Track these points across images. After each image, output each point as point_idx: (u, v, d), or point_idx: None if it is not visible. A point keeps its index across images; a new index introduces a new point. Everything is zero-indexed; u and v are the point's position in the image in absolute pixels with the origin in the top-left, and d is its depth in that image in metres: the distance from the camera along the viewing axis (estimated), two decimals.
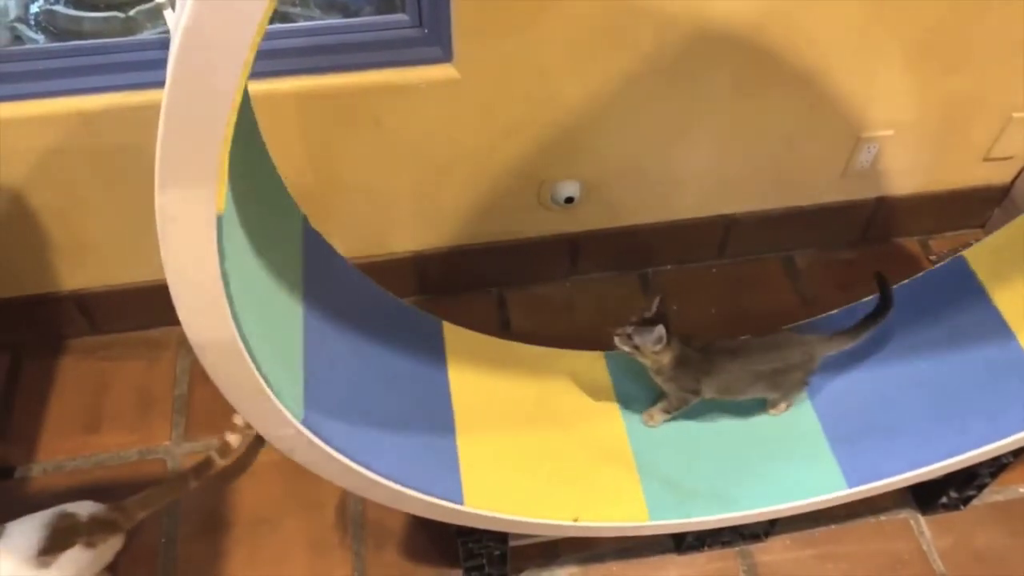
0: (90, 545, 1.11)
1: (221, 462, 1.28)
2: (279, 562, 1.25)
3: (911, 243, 1.70)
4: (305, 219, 1.07)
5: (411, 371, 1.14)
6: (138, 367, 1.47)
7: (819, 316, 1.34)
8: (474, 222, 1.47)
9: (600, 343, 1.39)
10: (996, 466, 1.20)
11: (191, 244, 0.64)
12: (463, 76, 1.22)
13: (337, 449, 0.88)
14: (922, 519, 1.31)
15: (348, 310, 1.06)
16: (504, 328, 1.55)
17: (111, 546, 1.16)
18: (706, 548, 1.27)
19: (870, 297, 1.27)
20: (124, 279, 1.44)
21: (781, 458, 1.17)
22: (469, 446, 1.09)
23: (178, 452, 1.37)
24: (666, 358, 1.09)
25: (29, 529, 1.08)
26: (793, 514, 1.15)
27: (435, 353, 1.19)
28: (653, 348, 1.07)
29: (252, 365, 0.75)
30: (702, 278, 1.64)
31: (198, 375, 1.45)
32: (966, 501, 1.30)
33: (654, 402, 1.19)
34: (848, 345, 1.17)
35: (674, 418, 1.19)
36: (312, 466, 0.90)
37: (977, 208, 1.69)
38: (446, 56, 1.21)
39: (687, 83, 1.31)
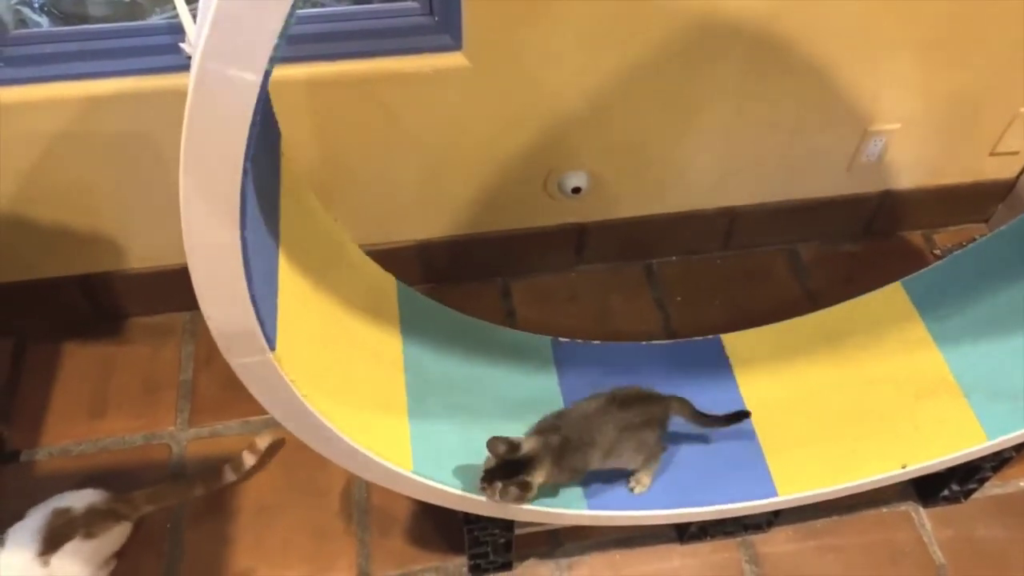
0: (90, 536, 1.13)
1: (232, 476, 1.28)
2: (284, 548, 1.26)
3: (915, 236, 1.71)
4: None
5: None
6: (143, 352, 1.47)
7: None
8: (480, 211, 1.47)
9: (604, 335, 1.40)
10: (998, 460, 1.21)
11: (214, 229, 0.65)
12: (473, 64, 1.21)
13: None
14: (923, 511, 1.32)
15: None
16: (508, 318, 1.55)
17: (116, 535, 1.17)
18: (708, 538, 1.27)
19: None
20: (129, 265, 1.43)
21: None
22: (769, 441, 1.10)
23: (183, 437, 1.37)
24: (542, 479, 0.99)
25: (27, 532, 1.10)
26: None
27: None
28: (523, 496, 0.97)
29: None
30: (706, 270, 1.64)
31: (203, 361, 1.46)
32: (967, 494, 1.31)
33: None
34: (689, 421, 1.10)
35: (978, 326, 1.12)
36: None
37: (982, 203, 1.69)
38: (456, 44, 1.21)
39: (696, 74, 1.31)
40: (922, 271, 1.26)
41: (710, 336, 1.27)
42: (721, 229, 1.62)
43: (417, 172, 1.38)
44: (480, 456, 0.98)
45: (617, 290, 1.61)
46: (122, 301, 1.49)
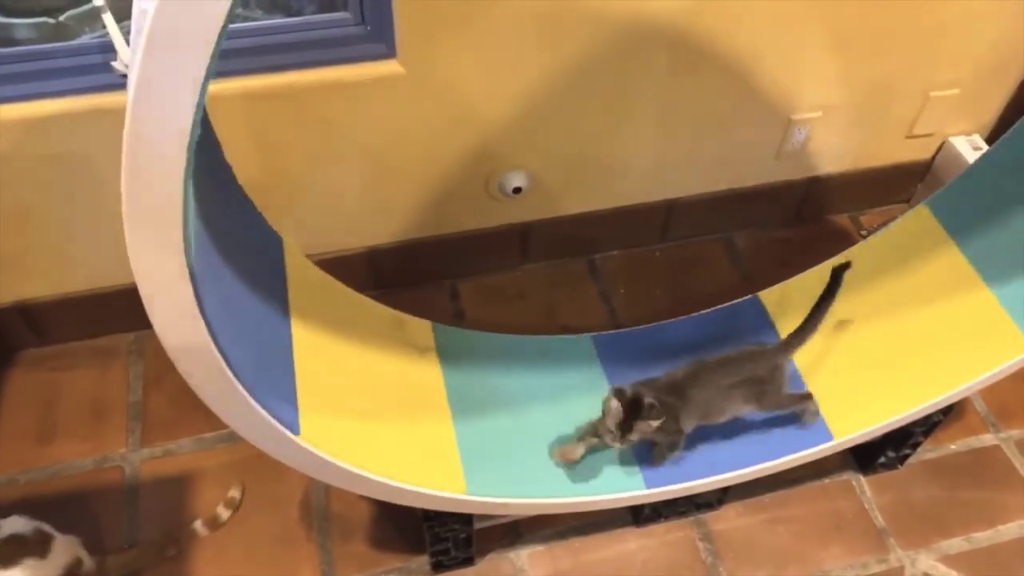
0: None
1: (204, 532, 1.27)
2: (246, 560, 1.26)
3: (843, 219, 1.78)
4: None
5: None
6: (90, 376, 1.45)
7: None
8: (425, 215, 1.49)
9: (552, 331, 1.43)
10: (928, 424, 1.28)
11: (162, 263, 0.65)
12: (408, 72, 1.24)
13: None
14: (863, 479, 1.39)
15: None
16: (459, 318, 1.57)
17: None
18: (663, 519, 1.32)
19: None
20: (70, 288, 1.41)
21: None
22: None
23: (136, 459, 1.36)
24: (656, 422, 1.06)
25: None
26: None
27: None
28: (655, 427, 1.04)
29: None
30: (647, 261, 1.69)
31: (152, 381, 1.44)
32: (902, 460, 1.38)
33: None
34: (806, 340, 1.14)
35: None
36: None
37: (902, 183, 1.78)
38: (390, 52, 1.23)
39: (625, 73, 1.36)
40: (943, 189, 1.28)
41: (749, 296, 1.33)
42: (659, 221, 1.67)
43: (360, 179, 1.39)
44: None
45: (563, 286, 1.64)
46: (64, 325, 1.46)
